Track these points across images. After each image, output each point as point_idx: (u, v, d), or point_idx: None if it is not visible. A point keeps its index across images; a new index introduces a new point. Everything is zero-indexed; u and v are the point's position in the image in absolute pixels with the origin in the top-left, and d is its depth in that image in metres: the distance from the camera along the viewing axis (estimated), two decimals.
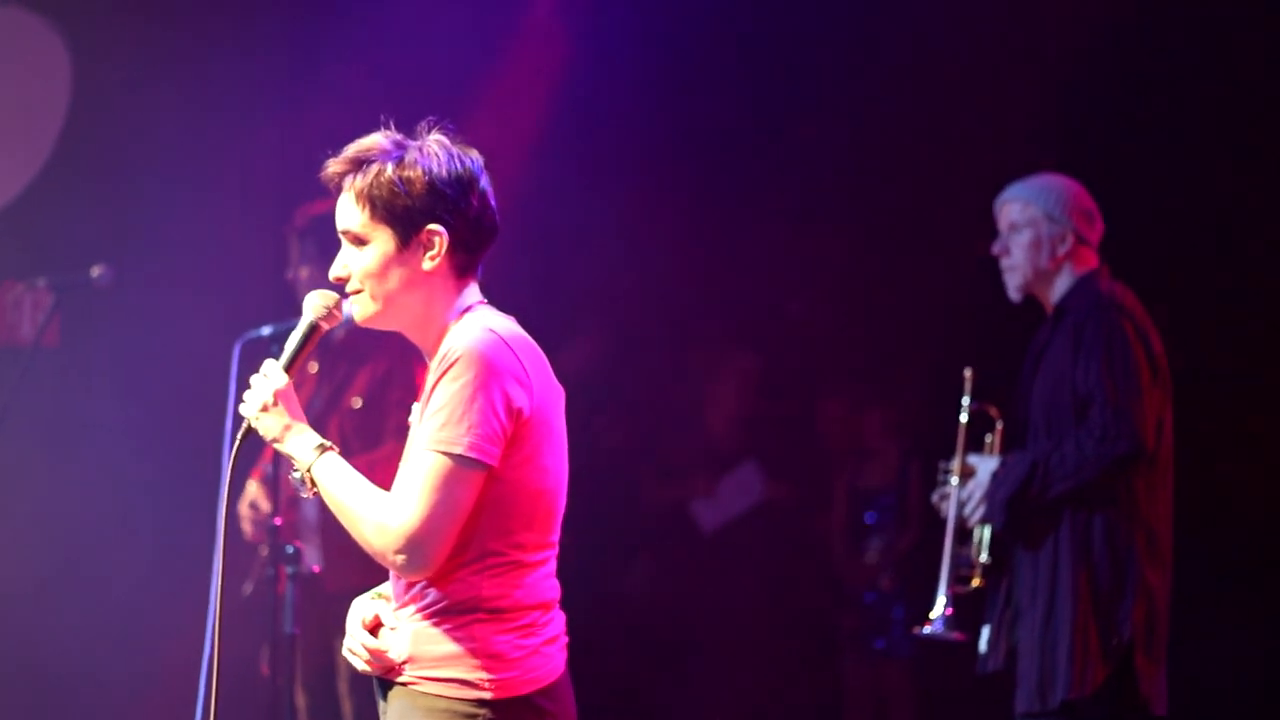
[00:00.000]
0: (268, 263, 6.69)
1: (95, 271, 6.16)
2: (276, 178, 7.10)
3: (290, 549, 5.43)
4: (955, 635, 5.52)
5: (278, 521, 5.48)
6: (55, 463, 6.98)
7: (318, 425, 3.92)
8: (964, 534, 5.54)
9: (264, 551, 5.87)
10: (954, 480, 5.51)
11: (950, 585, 5.53)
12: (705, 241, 7.47)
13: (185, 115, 7.15)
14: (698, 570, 7.70)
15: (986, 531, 5.45)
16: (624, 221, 7.37)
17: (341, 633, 5.84)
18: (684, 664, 7.74)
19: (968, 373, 5.63)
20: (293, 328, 5.38)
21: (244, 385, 5.52)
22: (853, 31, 7.22)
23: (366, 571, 3.80)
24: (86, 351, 7.08)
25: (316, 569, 5.49)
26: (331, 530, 5.73)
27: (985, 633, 5.47)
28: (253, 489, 5.91)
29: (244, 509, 6.04)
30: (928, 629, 5.54)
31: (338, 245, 3.65)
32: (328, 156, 3.65)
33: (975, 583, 5.50)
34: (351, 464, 3.59)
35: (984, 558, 5.47)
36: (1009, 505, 5.30)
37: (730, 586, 7.66)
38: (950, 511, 5.51)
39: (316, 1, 7.46)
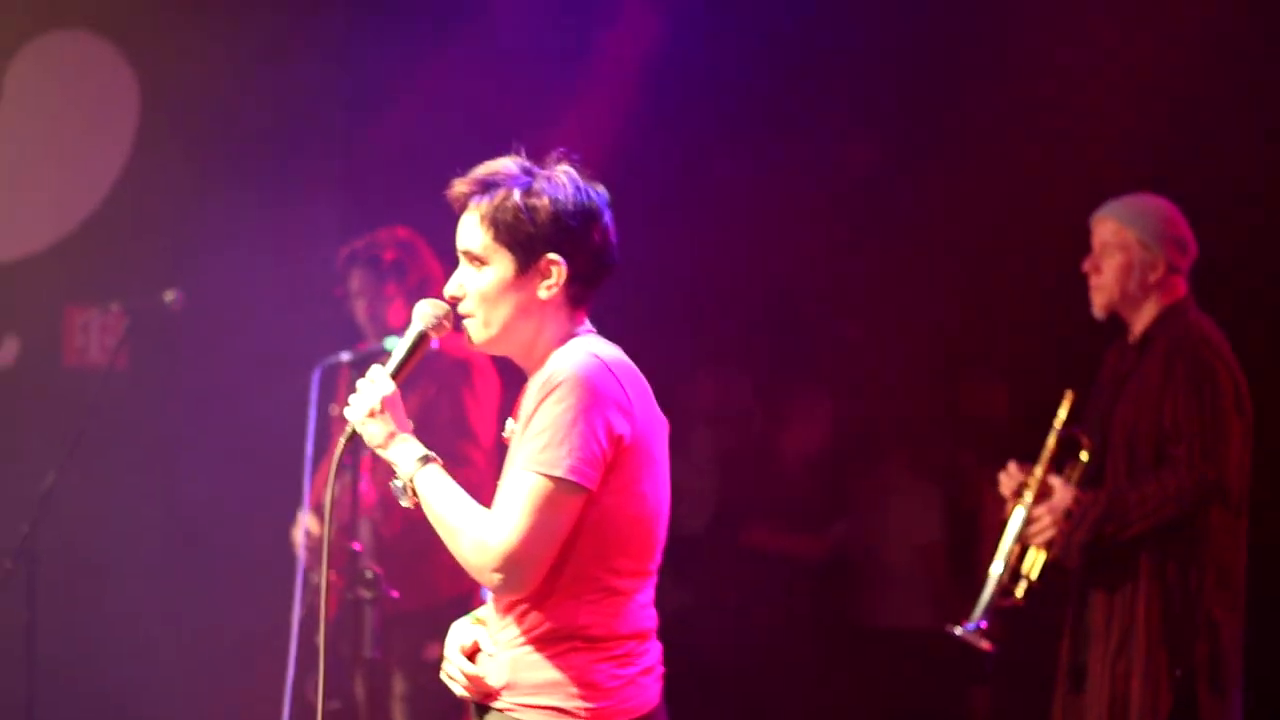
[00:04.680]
0: (332, 287, 6.71)
1: (168, 296, 6.20)
2: (346, 199, 7.12)
3: (369, 573, 5.42)
4: (984, 645, 5.48)
5: (357, 547, 5.48)
6: (131, 485, 7.02)
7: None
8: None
9: (314, 578, 5.89)
10: (1029, 496, 5.47)
11: (996, 596, 5.50)
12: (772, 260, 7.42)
13: (254, 135, 7.18)
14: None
15: (1042, 556, 5.44)
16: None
17: (400, 654, 5.90)
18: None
19: (1069, 395, 5.55)
20: (373, 355, 5.47)
21: (323, 410, 5.65)
22: (934, 40, 7.11)
23: None
24: (158, 375, 7.10)
25: (395, 594, 5.48)
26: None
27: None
28: (306, 519, 5.91)
29: (297, 536, 6.06)
30: (958, 630, 5.50)
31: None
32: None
33: (1018, 595, 5.48)
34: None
35: (1033, 576, 5.46)
36: (1085, 549, 5.30)
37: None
38: (1014, 524, 5.48)
39: (383, 19, 7.45)
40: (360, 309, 6.23)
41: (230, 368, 7.02)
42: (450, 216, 3.67)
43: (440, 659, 5.86)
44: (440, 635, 5.87)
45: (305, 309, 6.86)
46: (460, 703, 5.66)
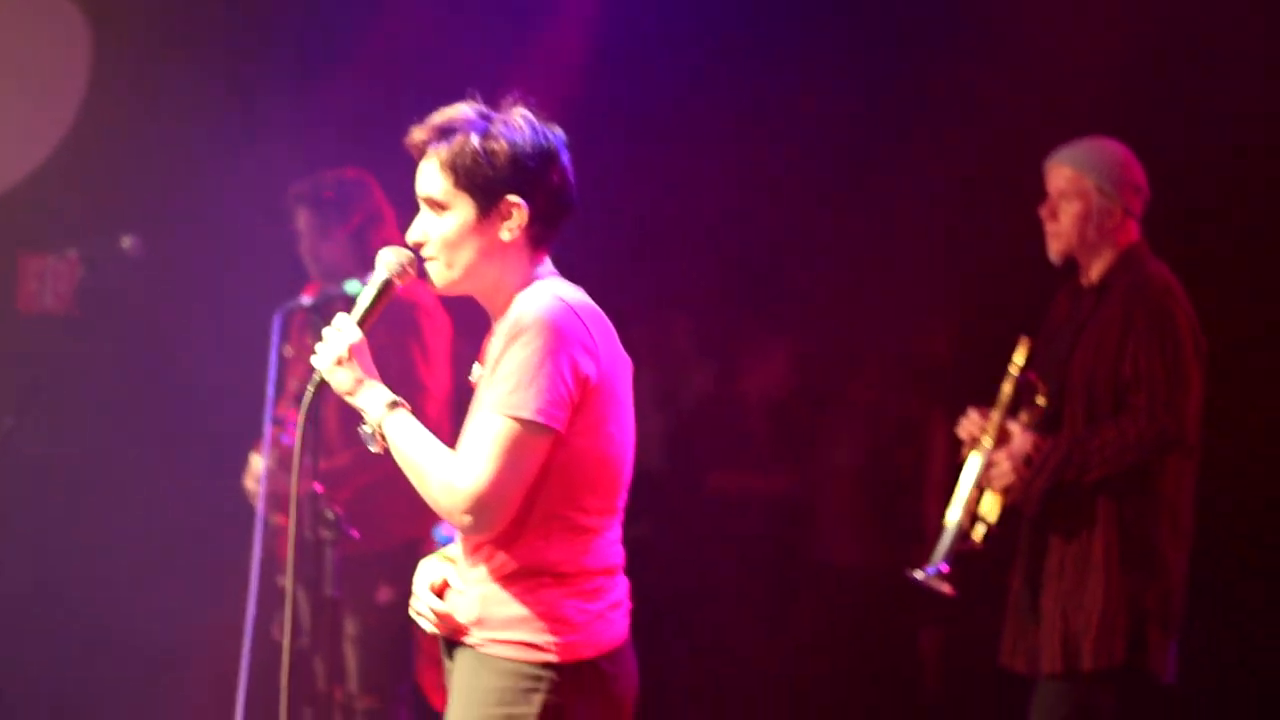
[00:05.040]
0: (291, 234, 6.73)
1: (125, 242, 6.19)
2: (303, 144, 7.10)
3: (330, 514, 5.46)
4: (945, 589, 5.50)
5: (318, 488, 5.50)
6: (88, 431, 7.01)
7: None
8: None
9: (273, 520, 5.91)
10: (987, 441, 5.49)
11: (955, 540, 5.51)
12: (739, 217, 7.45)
13: (211, 78, 7.16)
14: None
15: (1000, 500, 5.50)
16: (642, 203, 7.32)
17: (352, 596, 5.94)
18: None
19: (1025, 340, 5.54)
20: (333, 299, 5.49)
21: (282, 354, 5.68)
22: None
23: None
24: (115, 321, 7.09)
25: (356, 534, 5.52)
26: None
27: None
28: (260, 464, 5.93)
29: (249, 484, 6.08)
30: (919, 574, 5.51)
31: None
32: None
33: (976, 538, 5.50)
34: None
35: (991, 520, 5.49)
36: (1044, 495, 5.35)
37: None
38: (974, 468, 5.49)
39: None
40: (304, 248, 6.26)
41: (188, 313, 7.01)
42: (410, 163, 3.72)
43: (391, 601, 5.92)
44: (391, 578, 5.96)
45: (265, 252, 6.85)
46: (411, 643, 5.72)
